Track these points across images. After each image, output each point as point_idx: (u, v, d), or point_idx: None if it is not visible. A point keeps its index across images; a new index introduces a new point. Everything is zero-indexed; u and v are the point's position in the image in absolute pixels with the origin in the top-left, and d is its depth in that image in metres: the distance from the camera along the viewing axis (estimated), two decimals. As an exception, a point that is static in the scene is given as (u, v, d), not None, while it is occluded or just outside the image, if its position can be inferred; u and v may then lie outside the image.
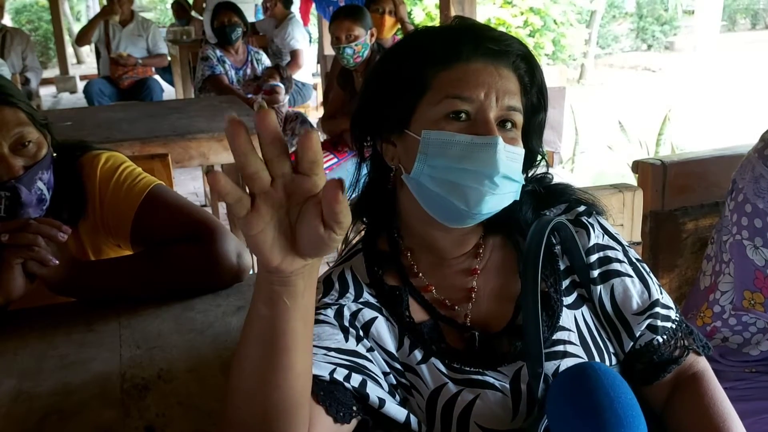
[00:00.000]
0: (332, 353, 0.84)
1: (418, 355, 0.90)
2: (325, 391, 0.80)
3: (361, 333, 0.89)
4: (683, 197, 1.55)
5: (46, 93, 8.72)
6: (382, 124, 0.93)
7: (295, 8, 5.78)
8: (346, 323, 0.89)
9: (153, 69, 5.59)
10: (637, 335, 0.93)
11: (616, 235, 0.98)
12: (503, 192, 0.86)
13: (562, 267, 0.95)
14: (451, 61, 0.87)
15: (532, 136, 0.93)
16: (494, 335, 0.92)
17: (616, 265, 0.95)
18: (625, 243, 0.98)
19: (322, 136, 3.71)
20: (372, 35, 3.18)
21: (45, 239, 1.10)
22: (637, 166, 1.56)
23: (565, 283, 0.94)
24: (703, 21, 11.61)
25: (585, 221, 0.96)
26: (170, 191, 1.28)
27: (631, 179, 1.67)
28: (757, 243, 1.30)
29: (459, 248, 0.95)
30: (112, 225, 1.24)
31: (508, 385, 0.87)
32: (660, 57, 11.50)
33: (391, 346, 0.90)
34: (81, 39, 5.51)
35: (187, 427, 0.87)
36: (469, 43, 0.88)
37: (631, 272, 0.95)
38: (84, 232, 1.26)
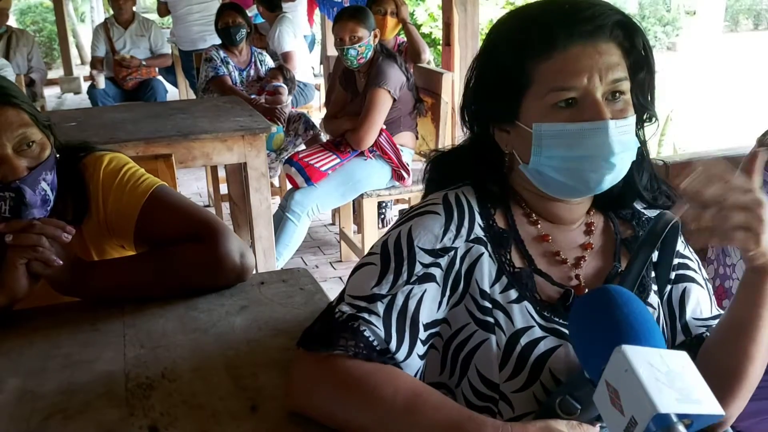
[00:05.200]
0: (421, 332, 0.92)
1: (512, 294, 0.94)
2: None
3: (461, 284, 0.94)
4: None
5: (51, 94, 8.74)
6: (492, 113, 0.97)
7: (294, 8, 5.73)
8: (451, 279, 0.94)
9: (156, 70, 5.61)
10: (693, 335, 1.00)
11: (692, 250, 1.05)
12: (621, 165, 0.91)
13: (653, 259, 1.00)
14: (548, 51, 0.89)
15: (636, 93, 0.94)
16: None
17: (691, 273, 1.02)
18: (699, 261, 1.05)
19: (324, 137, 3.72)
20: (375, 36, 3.18)
21: (49, 240, 1.11)
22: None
23: (651, 273, 1.00)
24: (706, 22, 11.60)
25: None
26: (173, 192, 1.29)
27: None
28: None
29: (569, 216, 1.00)
30: (115, 226, 1.25)
31: None
32: (662, 57, 11.48)
33: (485, 283, 0.94)
34: (95, 64, 5.50)
35: (191, 426, 0.87)
36: (562, 29, 0.88)
37: (703, 285, 1.02)
38: (87, 233, 1.26)
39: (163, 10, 5.88)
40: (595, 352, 0.78)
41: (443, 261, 0.94)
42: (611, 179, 0.92)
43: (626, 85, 0.91)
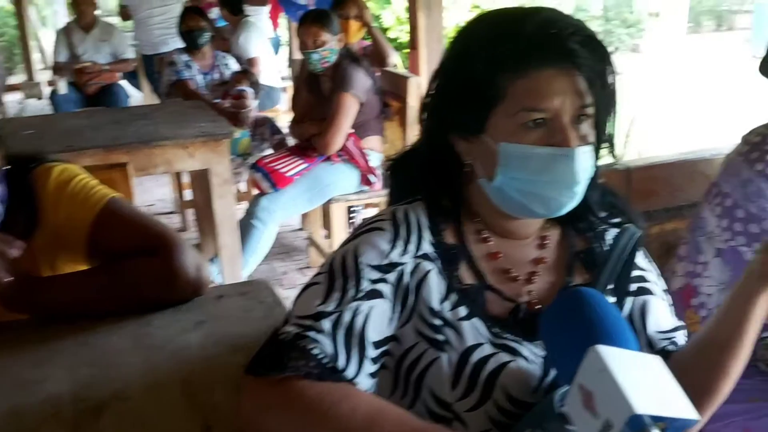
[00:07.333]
0: (369, 350, 0.89)
1: (462, 311, 0.93)
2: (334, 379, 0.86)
3: (410, 299, 0.92)
4: (648, 202, 1.56)
5: (12, 99, 8.56)
6: (455, 121, 0.94)
7: (259, 11, 5.68)
8: (401, 294, 0.92)
9: (119, 74, 5.52)
10: (657, 349, 0.98)
11: (651, 261, 1.04)
12: (582, 191, 0.91)
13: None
14: (523, 69, 0.87)
15: (597, 116, 0.93)
16: (536, 313, 0.95)
17: (651, 286, 1.00)
18: (657, 271, 1.04)
19: (291, 141, 3.69)
20: (340, 40, 3.16)
21: (-4, 255, 1.07)
22: (602, 172, 1.56)
23: (609, 285, 0.98)
24: (669, 23, 11.80)
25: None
26: (127, 203, 1.25)
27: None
28: (756, 248, 1.29)
29: (524, 231, 0.99)
30: (66, 239, 1.21)
31: (541, 359, 0.92)
32: (626, 59, 11.64)
33: (435, 300, 0.92)
34: (57, 71, 5.39)
35: (143, 449, 0.84)
36: (541, 49, 0.86)
37: (662, 296, 1.01)
38: (38, 247, 1.22)
39: (125, 13, 5.79)
40: (568, 356, 0.77)
41: (391, 276, 0.92)
42: (571, 206, 0.92)
43: (592, 110, 0.90)
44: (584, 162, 0.88)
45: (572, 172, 0.87)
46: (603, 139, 0.95)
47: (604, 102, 0.91)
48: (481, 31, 0.93)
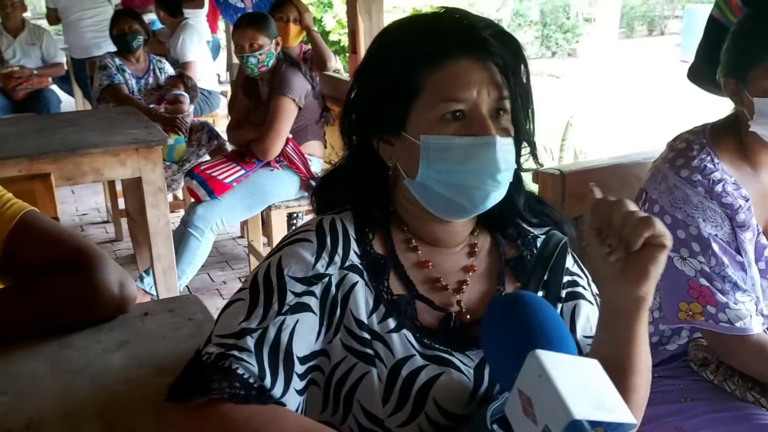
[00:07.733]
0: (296, 366, 0.86)
1: (391, 323, 0.91)
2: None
3: (337, 312, 0.89)
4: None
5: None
6: (376, 123, 0.93)
7: (197, 14, 5.57)
8: (328, 306, 0.89)
9: (50, 79, 5.32)
10: (584, 354, 0.96)
11: (582, 266, 1.03)
12: (505, 183, 0.90)
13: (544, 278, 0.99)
14: (440, 61, 0.88)
15: (515, 116, 0.93)
16: (467, 323, 0.94)
17: (581, 290, 1.00)
18: (589, 277, 1.03)
19: (230, 146, 3.61)
20: (277, 44, 3.10)
21: None
22: (538, 177, 1.57)
23: (540, 293, 0.97)
24: (603, 28, 12.12)
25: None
26: (44, 218, 1.18)
27: (534, 187, 1.68)
28: (684, 254, 1.31)
29: (452, 238, 0.98)
30: (-22, 256, 1.13)
31: (472, 370, 0.91)
32: (563, 63, 11.90)
33: (362, 313, 0.90)
34: None
35: (57, 483, 0.79)
36: (455, 40, 0.88)
37: (593, 301, 1.00)
38: (-54, 266, 1.14)
39: (53, 17, 5.57)
40: (508, 362, 0.76)
41: (317, 288, 0.89)
42: (496, 197, 0.91)
43: (508, 104, 0.90)
44: (505, 152, 0.88)
45: (494, 160, 0.87)
46: (522, 137, 0.95)
47: (521, 98, 0.92)
48: (398, 33, 0.95)
